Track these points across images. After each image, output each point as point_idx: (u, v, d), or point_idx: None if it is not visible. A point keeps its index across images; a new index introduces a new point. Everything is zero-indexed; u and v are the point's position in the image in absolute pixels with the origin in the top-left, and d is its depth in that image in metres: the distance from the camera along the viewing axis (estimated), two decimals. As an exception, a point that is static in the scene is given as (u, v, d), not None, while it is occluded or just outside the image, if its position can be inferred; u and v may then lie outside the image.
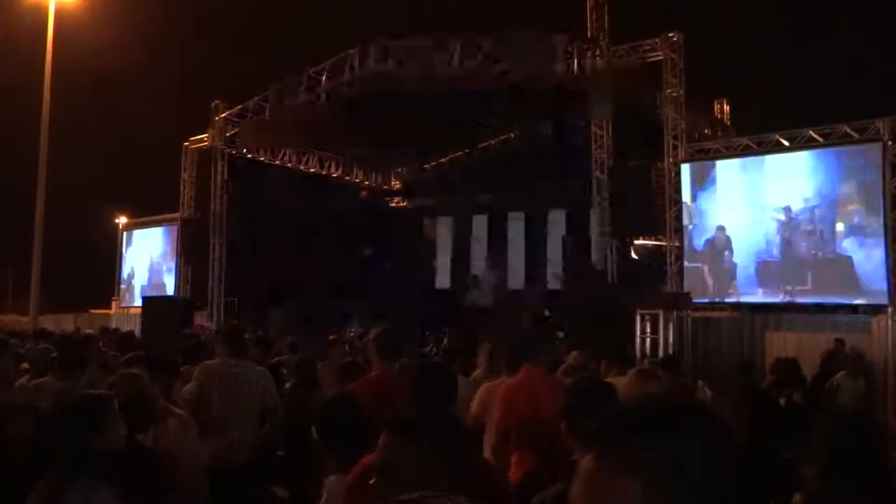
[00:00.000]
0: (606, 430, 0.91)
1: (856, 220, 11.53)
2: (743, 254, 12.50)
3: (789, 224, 12.04)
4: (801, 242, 11.95)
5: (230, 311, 18.55)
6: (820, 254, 11.78)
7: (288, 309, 18.48)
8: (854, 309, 11.38)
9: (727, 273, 12.61)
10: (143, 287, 20.58)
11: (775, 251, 12.16)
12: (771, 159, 12.53)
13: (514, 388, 4.52)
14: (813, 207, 11.88)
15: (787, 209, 12.05)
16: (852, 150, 11.75)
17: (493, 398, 4.76)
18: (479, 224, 21.87)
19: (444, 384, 2.72)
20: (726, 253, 12.67)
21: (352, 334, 13.35)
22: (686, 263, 12.95)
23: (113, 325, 16.86)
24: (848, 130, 11.78)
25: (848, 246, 11.57)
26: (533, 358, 4.70)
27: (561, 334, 11.39)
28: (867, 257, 11.35)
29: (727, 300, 12.56)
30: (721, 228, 12.74)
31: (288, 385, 5.67)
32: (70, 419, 2.47)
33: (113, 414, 2.59)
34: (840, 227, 11.68)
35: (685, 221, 12.98)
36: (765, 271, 12.27)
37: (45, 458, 2.44)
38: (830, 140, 11.95)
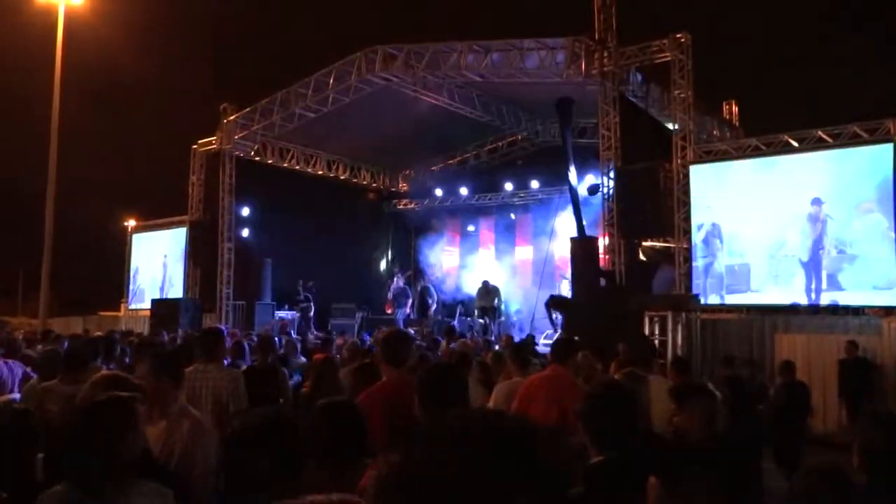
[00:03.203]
0: None
1: (872, 219, 11.44)
2: (757, 253, 12.43)
3: (805, 223, 11.95)
4: (817, 241, 11.86)
5: (238, 313, 18.59)
6: (835, 253, 11.69)
7: (298, 311, 18.56)
8: (863, 311, 11.29)
9: (741, 272, 12.55)
10: (151, 289, 20.65)
11: (790, 250, 12.08)
12: (785, 158, 12.46)
13: (537, 381, 4.59)
14: (829, 206, 11.77)
15: (803, 207, 11.97)
16: (867, 148, 11.67)
17: (508, 397, 4.80)
18: (487, 226, 21.89)
19: (452, 388, 2.67)
20: (739, 252, 12.61)
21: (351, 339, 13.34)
22: (697, 263, 12.89)
23: (122, 328, 16.92)
24: (858, 131, 11.71)
25: (865, 245, 11.48)
26: (564, 360, 4.78)
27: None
28: (883, 257, 11.28)
29: (739, 303, 12.44)
30: (731, 228, 12.70)
31: (306, 386, 5.67)
32: (105, 420, 2.36)
33: (139, 416, 2.53)
34: (857, 226, 11.58)
35: (698, 220, 12.90)
36: (779, 270, 12.19)
37: (73, 460, 2.31)
38: (840, 141, 11.89)
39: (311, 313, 18.32)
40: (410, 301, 19.03)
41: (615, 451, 2.03)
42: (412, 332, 13.92)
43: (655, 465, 2.03)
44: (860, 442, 2.20)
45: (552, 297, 13.97)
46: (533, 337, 12.04)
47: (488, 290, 16.95)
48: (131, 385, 3.35)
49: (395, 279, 19.25)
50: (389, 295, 19.06)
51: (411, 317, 18.62)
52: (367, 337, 13.51)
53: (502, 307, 17.52)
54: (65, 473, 2.34)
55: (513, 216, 21.25)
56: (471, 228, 22.06)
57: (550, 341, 12.21)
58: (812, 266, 11.90)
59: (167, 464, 3.15)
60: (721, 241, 12.77)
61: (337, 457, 2.40)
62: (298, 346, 9.84)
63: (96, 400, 2.54)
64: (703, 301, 12.38)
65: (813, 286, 11.82)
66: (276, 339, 8.81)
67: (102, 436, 2.31)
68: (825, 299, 11.68)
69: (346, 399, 2.99)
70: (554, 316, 13.90)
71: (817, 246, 11.85)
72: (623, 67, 13.57)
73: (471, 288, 20.20)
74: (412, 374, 4.08)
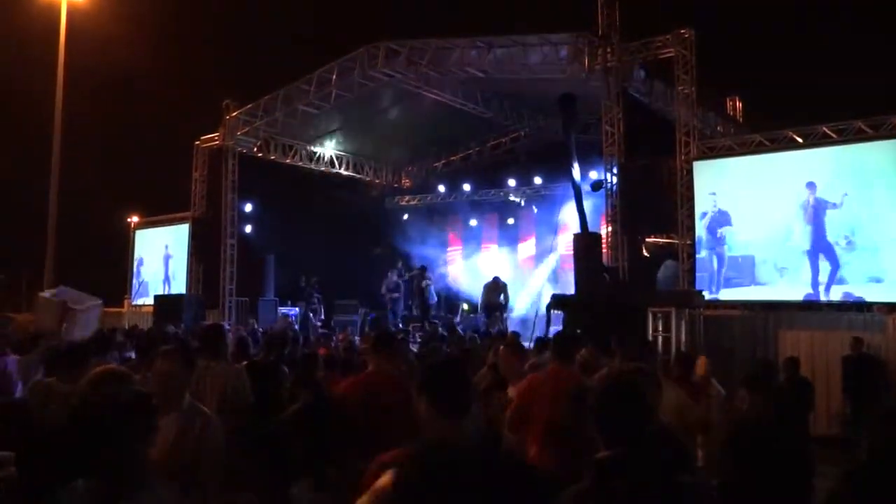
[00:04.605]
0: None
1: (881, 213, 11.39)
2: (761, 245, 12.40)
3: (812, 216, 11.89)
4: (817, 230, 11.81)
5: (241, 309, 18.62)
6: (844, 244, 11.63)
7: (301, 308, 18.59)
8: (868, 307, 11.24)
9: (744, 264, 12.52)
10: (154, 285, 20.68)
11: (796, 242, 12.04)
12: (789, 152, 12.41)
13: (539, 380, 4.57)
14: (837, 200, 11.69)
15: (809, 201, 11.91)
16: (872, 144, 11.62)
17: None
18: (490, 222, 21.88)
19: (463, 388, 2.61)
20: (743, 243, 12.58)
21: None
22: (702, 255, 12.87)
23: (125, 323, 16.94)
24: (862, 127, 11.66)
25: (863, 237, 11.43)
26: (567, 359, 4.74)
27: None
28: (880, 248, 11.25)
29: (749, 299, 12.37)
30: (734, 220, 12.67)
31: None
32: (138, 415, 2.40)
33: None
34: (865, 219, 11.49)
35: (702, 209, 12.86)
36: (785, 262, 12.16)
37: (91, 461, 2.33)
38: (844, 137, 11.85)
39: (322, 314, 18.40)
40: (403, 296, 19.11)
41: (623, 446, 2.02)
42: (427, 327, 14.06)
43: (663, 463, 2.02)
44: (869, 440, 2.18)
45: (554, 296, 13.95)
46: (517, 334, 11.97)
47: (498, 286, 16.84)
48: (132, 380, 3.35)
49: (388, 276, 19.31)
50: (383, 290, 19.10)
51: (414, 313, 18.64)
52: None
53: (510, 304, 17.42)
54: (85, 470, 2.34)
55: (515, 213, 21.24)
56: (473, 223, 22.05)
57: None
58: (816, 258, 11.84)
59: (181, 459, 3.20)
60: (730, 228, 12.71)
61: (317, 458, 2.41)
62: (301, 341, 9.86)
63: (126, 395, 2.53)
64: (709, 294, 12.36)
65: (819, 279, 11.76)
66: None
67: (135, 431, 2.34)
68: (835, 293, 11.60)
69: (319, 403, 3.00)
70: (551, 315, 13.91)
71: (819, 236, 11.79)
72: (626, 63, 13.51)
73: (472, 285, 20.22)
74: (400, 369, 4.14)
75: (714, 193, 12.84)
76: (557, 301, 13.47)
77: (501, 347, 6.05)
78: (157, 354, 3.67)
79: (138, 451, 2.33)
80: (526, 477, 1.55)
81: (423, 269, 18.89)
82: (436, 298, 18.90)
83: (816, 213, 11.82)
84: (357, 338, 12.96)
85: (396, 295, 18.86)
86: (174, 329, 11.53)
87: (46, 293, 14.81)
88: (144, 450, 2.37)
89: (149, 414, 2.45)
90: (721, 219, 12.77)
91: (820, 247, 11.77)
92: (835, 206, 11.68)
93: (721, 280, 12.71)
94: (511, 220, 21.35)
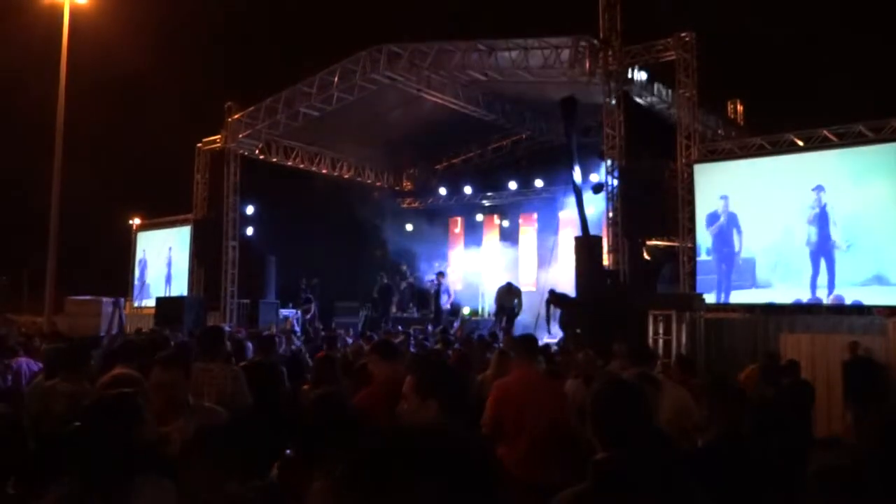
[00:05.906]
0: None
1: (882, 216, 11.38)
2: (763, 247, 12.40)
3: (818, 219, 11.89)
4: (822, 233, 11.81)
5: (243, 311, 18.63)
6: (845, 247, 11.64)
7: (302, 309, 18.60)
8: (868, 310, 11.24)
9: (745, 266, 12.52)
10: (156, 287, 20.70)
11: (798, 244, 12.03)
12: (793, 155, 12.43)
13: (525, 384, 4.56)
14: (835, 199, 11.73)
15: (812, 203, 11.92)
16: (873, 147, 11.63)
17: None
18: (491, 225, 21.88)
19: (449, 383, 2.66)
20: (745, 245, 12.58)
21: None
22: (705, 260, 12.87)
23: (126, 325, 16.94)
24: (863, 130, 11.68)
25: (875, 242, 11.43)
26: (533, 357, 4.72)
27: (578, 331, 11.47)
28: (867, 253, 11.26)
29: (753, 302, 12.36)
30: (737, 225, 12.68)
31: (307, 386, 5.64)
32: (114, 415, 2.46)
33: (147, 412, 2.63)
34: (866, 222, 11.50)
35: (713, 210, 12.86)
36: (786, 264, 12.15)
37: (79, 456, 2.38)
38: (845, 140, 11.86)
39: (310, 315, 18.37)
40: (402, 298, 19.14)
41: (623, 448, 2.02)
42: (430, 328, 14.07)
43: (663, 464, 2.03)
44: (867, 445, 2.19)
45: (552, 292, 13.98)
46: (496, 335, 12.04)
47: (511, 291, 16.77)
48: (142, 384, 3.37)
49: (377, 279, 19.36)
50: (375, 294, 19.13)
51: (416, 315, 18.68)
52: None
53: (520, 309, 17.33)
54: (68, 471, 2.39)
55: (516, 215, 21.24)
56: (474, 226, 22.05)
57: (554, 340, 12.22)
58: (818, 260, 11.83)
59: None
60: (739, 234, 12.72)
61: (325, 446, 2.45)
62: (299, 343, 9.87)
63: (104, 396, 2.61)
64: (719, 298, 12.35)
65: (819, 282, 11.76)
66: (277, 337, 8.79)
67: (113, 430, 2.37)
68: (840, 296, 11.59)
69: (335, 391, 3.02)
70: (551, 311, 13.92)
71: (823, 239, 11.78)
72: (628, 66, 13.54)
73: (472, 288, 20.24)
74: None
75: (726, 197, 12.84)
76: (556, 298, 13.49)
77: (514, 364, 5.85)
78: (155, 363, 3.65)
79: (124, 450, 2.36)
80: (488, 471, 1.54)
81: (441, 274, 18.93)
82: (449, 303, 18.94)
83: (822, 217, 11.83)
84: (350, 340, 12.99)
85: (388, 297, 18.91)
86: (171, 333, 11.52)
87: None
88: (131, 448, 2.40)
89: (132, 410, 2.49)
90: (731, 222, 12.78)
91: (823, 250, 11.78)
92: (831, 221, 11.71)
93: (730, 284, 12.71)
94: (512, 223, 21.35)
